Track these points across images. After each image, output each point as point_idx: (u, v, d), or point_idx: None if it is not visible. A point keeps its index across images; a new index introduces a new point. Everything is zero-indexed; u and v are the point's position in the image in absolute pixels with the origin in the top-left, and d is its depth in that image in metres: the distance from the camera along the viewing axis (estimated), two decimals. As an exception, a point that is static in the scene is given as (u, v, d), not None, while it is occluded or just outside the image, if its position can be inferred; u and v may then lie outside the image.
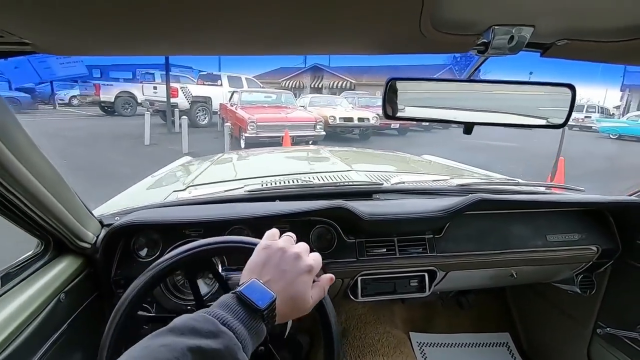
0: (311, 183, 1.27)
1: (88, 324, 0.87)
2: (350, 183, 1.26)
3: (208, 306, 0.73)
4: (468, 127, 0.68)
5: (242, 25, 0.40)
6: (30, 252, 0.81)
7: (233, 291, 0.47)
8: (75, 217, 0.83)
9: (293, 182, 1.31)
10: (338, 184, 1.25)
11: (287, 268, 0.51)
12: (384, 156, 2.40)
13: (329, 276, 0.57)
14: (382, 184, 1.28)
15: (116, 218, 0.98)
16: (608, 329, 1.24)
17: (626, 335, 1.19)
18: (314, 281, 0.54)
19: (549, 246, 1.15)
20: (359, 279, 1.08)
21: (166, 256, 0.68)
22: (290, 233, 0.58)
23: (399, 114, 0.69)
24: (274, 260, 0.51)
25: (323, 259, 1.06)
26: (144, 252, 0.97)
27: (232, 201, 1.10)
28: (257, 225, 1.01)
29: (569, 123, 0.66)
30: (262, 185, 1.23)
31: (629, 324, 1.18)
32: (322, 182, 1.29)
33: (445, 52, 0.55)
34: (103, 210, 1.16)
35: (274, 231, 0.58)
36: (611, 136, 13.52)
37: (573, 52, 0.57)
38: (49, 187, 0.69)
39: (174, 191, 1.37)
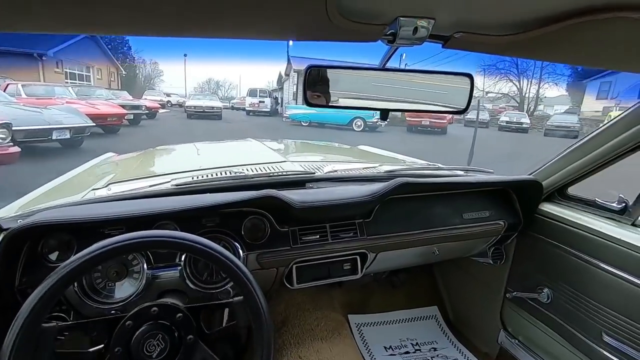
0: (243, 174, 1.25)
1: None
2: (283, 173, 1.26)
3: (136, 308, 0.69)
4: (384, 114, 0.72)
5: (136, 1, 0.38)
6: None
7: None
8: None
9: (224, 174, 1.28)
10: (271, 174, 1.24)
11: None
12: (319, 147, 2.45)
13: None
14: (314, 173, 1.31)
15: (19, 221, 0.88)
16: (515, 292, 1.42)
17: (529, 297, 1.36)
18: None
19: (465, 223, 1.27)
20: (294, 266, 1.10)
21: (79, 254, 0.63)
22: None
23: (319, 102, 0.71)
24: None
25: (256, 250, 1.06)
26: (54, 256, 0.88)
27: (158, 196, 1.05)
28: (186, 220, 0.97)
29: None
30: (191, 179, 1.18)
31: (531, 286, 1.36)
32: (254, 173, 1.28)
33: (355, 40, 0.58)
34: (4, 213, 1.03)
35: None
36: (302, 124, 13.91)
37: (468, 44, 0.63)
38: None
39: (93, 189, 1.26)
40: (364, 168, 1.47)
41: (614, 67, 0.81)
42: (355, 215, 1.16)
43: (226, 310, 1.07)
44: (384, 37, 0.60)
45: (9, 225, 0.86)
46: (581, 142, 1.17)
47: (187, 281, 0.94)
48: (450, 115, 15.63)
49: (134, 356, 0.63)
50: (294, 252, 1.07)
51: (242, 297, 0.68)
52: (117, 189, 1.17)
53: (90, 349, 0.75)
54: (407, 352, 1.60)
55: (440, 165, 1.51)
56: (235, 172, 1.31)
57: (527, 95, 28.99)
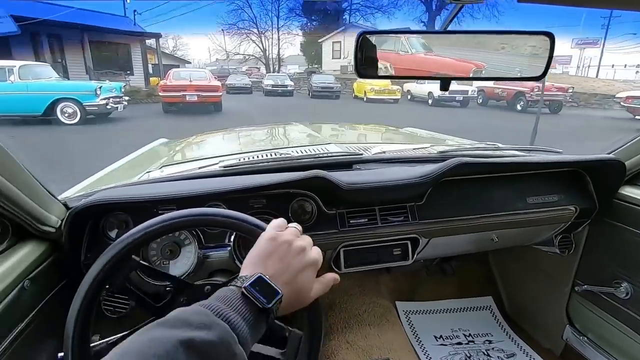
0: (289, 156, 1.23)
1: (58, 312, 0.83)
2: (330, 154, 1.22)
3: (190, 286, 0.70)
4: (445, 83, 0.65)
5: None
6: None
7: (236, 284, 0.45)
8: (35, 201, 0.77)
9: (270, 156, 1.27)
10: (317, 155, 1.21)
11: (292, 261, 0.49)
12: (364, 128, 2.37)
13: (333, 276, 0.56)
14: (361, 154, 1.25)
15: (82, 200, 0.93)
16: (585, 286, 1.28)
17: (602, 291, 1.22)
18: (317, 276, 0.53)
19: (529, 208, 1.15)
20: (342, 250, 1.07)
21: (135, 229, 0.63)
22: (295, 225, 0.56)
23: (371, 72, 0.65)
24: (279, 252, 0.50)
25: (304, 232, 1.04)
26: (113, 234, 0.92)
27: (208, 177, 1.06)
28: (234, 201, 0.97)
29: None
30: (238, 160, 1.18)
31: (605, 280, 1.22)
32: (300, 154, 1.26)
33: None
34: (70, 193, 1.10)
35: (281, 221, 0.56)
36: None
37: None
38: (1, 171, 0.64)
39: (147, 172, 1.31)
40: (414, 149, 1.38)
41: None
42: (407, 198, 1.09)
43: None
44: None
45: (73, 204, 0.91)
46: None
47: (237, 262, 0.95)
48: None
49: None
50: (341, 236, 1.04)
51: None
52: (169, 171, 1.20)
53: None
54: (459, 343, 1.53)
55: (499, 144, 1.38)
56: (280, 154, 1.29)
57: (270, 56, 28.32)
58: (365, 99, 16.41)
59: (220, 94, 11.31)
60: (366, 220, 1.06)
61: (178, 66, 17.94)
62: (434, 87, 14.30)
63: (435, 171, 1.01)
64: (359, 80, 17.48)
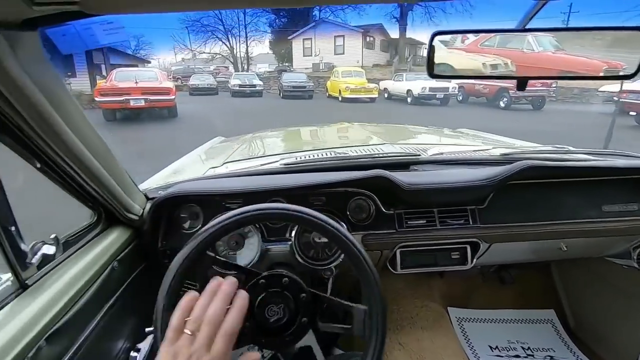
0: (347, 155, 1.25)
1: (138, 291, 0.92)
2: (387, 154, 1.22)
3: (258, 275, 0.73)
4: (521, 82, 0.63)
5: None
6: (85, 223, 0.85)
7: None
8: (124, 190, 0.86)
9: (328, 155, 1.29)
10: (374, 155, 1.21)
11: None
12: (418, 129, 2.32)
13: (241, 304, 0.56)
14: (419, 155, 1.24)
15: (159, 192, 1.02)
16: None
17: None
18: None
19: (605, 217, 1.07)
20: (398, 250, 1.07)
21: (221, 217, 0.65)
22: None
23: (444, 72, 0.65)
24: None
25: (361, 231, 1.05)
26: (187, 225, 1.00)
27: (270, 174, 1.11)
28: (294, 197, 1.01)
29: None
30: (297, 159, 1.23)
31: None
32: (357, 154, 1.27)
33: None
34: (146, 186, 1.21)
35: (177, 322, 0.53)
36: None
37: None
38: (100, 160, 0.72)
39: (211, 167, 1.39)
40: (474, 150, 1.34)
41: None
42: (468, 201, 1.06)
43: (329, 288, 1.09)
44: None
45: (153, 195, 1.00)
46: None
47: (297, 256, 0.98)
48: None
49: (257, 317, 0.67)
50: (399, 236, 1.03)
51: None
52: (232, 167, 1.27)
53: None
54: (517, 356, 1.45)
55: (569, 147, 1.29)
56: (338, 153, 1.31)
57: (238, 54, 26.22)
58: (340, 99, 15.08)
59: (173, 97, 9.49)
60: (424, 221, 1.05)
61: (136, 67, 16.37)
62: (414, 85, 13.63)
63: (501, 174, 0.98)
64: (332, 79, 16.32)
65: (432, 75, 0.64)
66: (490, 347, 1.48)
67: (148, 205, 0.96)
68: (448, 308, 1.61)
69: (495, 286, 1.66)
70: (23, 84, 0.46)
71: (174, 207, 1.00)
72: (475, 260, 1.10)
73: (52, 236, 0.68)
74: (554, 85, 12.43)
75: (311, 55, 24.46)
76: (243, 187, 0.96)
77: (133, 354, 0.83)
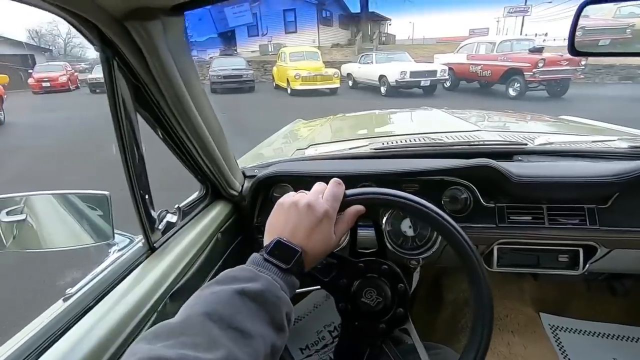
0: (441, 142, 1.17)
1: (237, 260, 0.99)
2: (488, 142, 1.12)
3: (359, 252, 0.74)
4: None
5: None
6: (195, 195, 0.94)
7: (260, 253, 0.51)
8: (229, 167, 0.92)
9: (420, 140, 1.23)
10: (472, 142, 1.12)
11: (303, 220, 0.54)
12: (512, 115, 2.10)
13: (355, 210, 0.60)
14: (526, 144, 1.11)
15: (255, 171, 1.07)
16: None
17: None
18: (339, 212, 0.58)
19: None
20: (496, 247, 0.98)
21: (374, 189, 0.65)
22: (318, 184, 0.61)
23: (589, 48, 0.56)
24: (290, 215, 0.55)
25: (457, 222, 0.98)
26: None
27: (359, 158, 1.10)
28: (386, 183, 0.98)
29: None
30: (385, 143, 1.19)
31: None
32: (453, 141, 1.19)
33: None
34: (241, 164, 1.28)
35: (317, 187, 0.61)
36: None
37: None
38: (214, 138, 0.77)
39: (298, 149, 1.43)
40: (592, 141, 1.16)
41: None
42: (585, 199, 0.93)
43: (415, 277, 1.06)
44: None
45: (249, 173, 1.06)
46: None
47: (387, 242, 0.97)
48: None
49: (354, 300, 0.68)
50: (499, 232, 0.95)
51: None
52: (321, 150, 1.29)
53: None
54: (624, 377, 1.28)
55: None
56: (430, 139, 1.24)
57: None
58: (289, 91, 11.29)
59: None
60: (530, 218, 0.95)
61: (28, 57, 14.15)
62: (388, 69, 10.28)
63: (636, 170, 0.83)
64: (279, 63, 12.55)
65: (575, 52, 0.55)
66: (591, 363, 1.32)
67: (247, 183, 1.02)
68: (540, 313, 1.47)
69: (602, 297, 1.46)
70: (167, 64, 0.50)
71: (269, 186, 1.04)
72: (587, 265, 0.97)
73: (176, 206, 0.76)
74: (583, 62, 8.83)
75: (257, 35, 20.37)
76: (336, 171, 0.96)
77: None
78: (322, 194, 0.58)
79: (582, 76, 9.65)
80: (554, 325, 1.46)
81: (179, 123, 0.64)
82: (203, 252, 0.82)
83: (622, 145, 1.09)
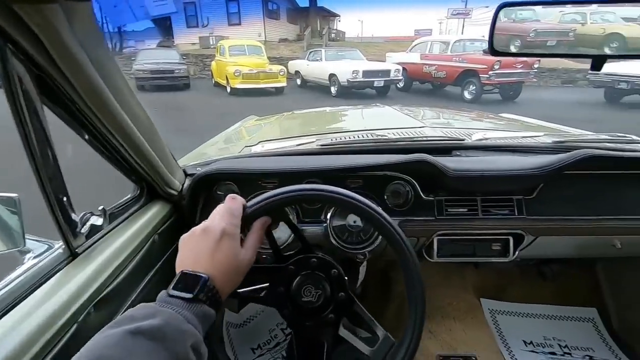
0: (386, 138, 1.20)
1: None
2: (429, 138, 1.16)
3: (285, 256, 0.73)
4: (598, 61, 0.56)
5: None
6: (129, 196, 0.88)
7: (164, 290, 0.49)
8: (165, 166, 0.87)
9: (366, 137, 1.25)
10: (414, 138, 1.16)
11: (201, 246, 0.52)
12: (457, 113, 2.21)
13: (260, 222, 0.60)
14: (463, 140, 1.17)
15: (197, 169, 1.02)
16: None
17: None
18: (244, 229, 0.57)
19: None
20: (436, 238, 1.03)
21: (267, 194, 0.63)
22: (218, 207, 0.58)
23: (506, 49, 0.59)
24: (190, 245, 0.54)
25: (398, 216, 1.01)
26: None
27: (305, 154, 1.09)
28: (331, 179, 0.99)
29: None
30: (333, 140, 1.20)
31: None
32: (397, 137, 1.22)
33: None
34: (184, 162, 1.23)
35: (217, 209, 0.59)
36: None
37: None
38: (144, 134, 0.72)
39: (246, 146, 1.39)
40: (523, 137, 1.25)
41: None
42: (514, 191, 1.00)
43: (362, 271, 1.07)
44: None
45: (191, 171, 1.01)
46: None
47: (331, 238, 0.97)
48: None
49: (295, 301, 0.67)
50: (437, 224, 1.00)
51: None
52: (267, 147, 1.26)
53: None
54: (552, 353, 1.39)
55: (633, 136, 1.18)
56: (376, 135, 1.27)
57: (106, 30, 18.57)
58: (229, 90, 10.09)
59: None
60: (466, 210, 1.00)
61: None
62: (339, 68, 9.54)
63: (556, 163, 0.90)
64: (218, 58, 11.32)
65: (494, 52, 0.58)
66: (525, 342, 1.43)
67: (187, 182, 0.97)
68: (481, 299, 1.57)
69: (534, 281, 1.58)
70: (77, 55, 0.46)
71: (211, 184, 1.00)
72: (517, 252, 1.05)
73: (100, 208, 0.70)
74: (535, 64, 9.03)
75: (197, 26, 18.85)
76: (280, 167, 0.95)
77: None
78: (217, 217, 0.56)
79: (534, 79, 9.82)
80: (493, 310, 1.56)
81: (99, 119, 0.59)
82: (136, 255, 0.77)
83: (548, 140, 1.19)
